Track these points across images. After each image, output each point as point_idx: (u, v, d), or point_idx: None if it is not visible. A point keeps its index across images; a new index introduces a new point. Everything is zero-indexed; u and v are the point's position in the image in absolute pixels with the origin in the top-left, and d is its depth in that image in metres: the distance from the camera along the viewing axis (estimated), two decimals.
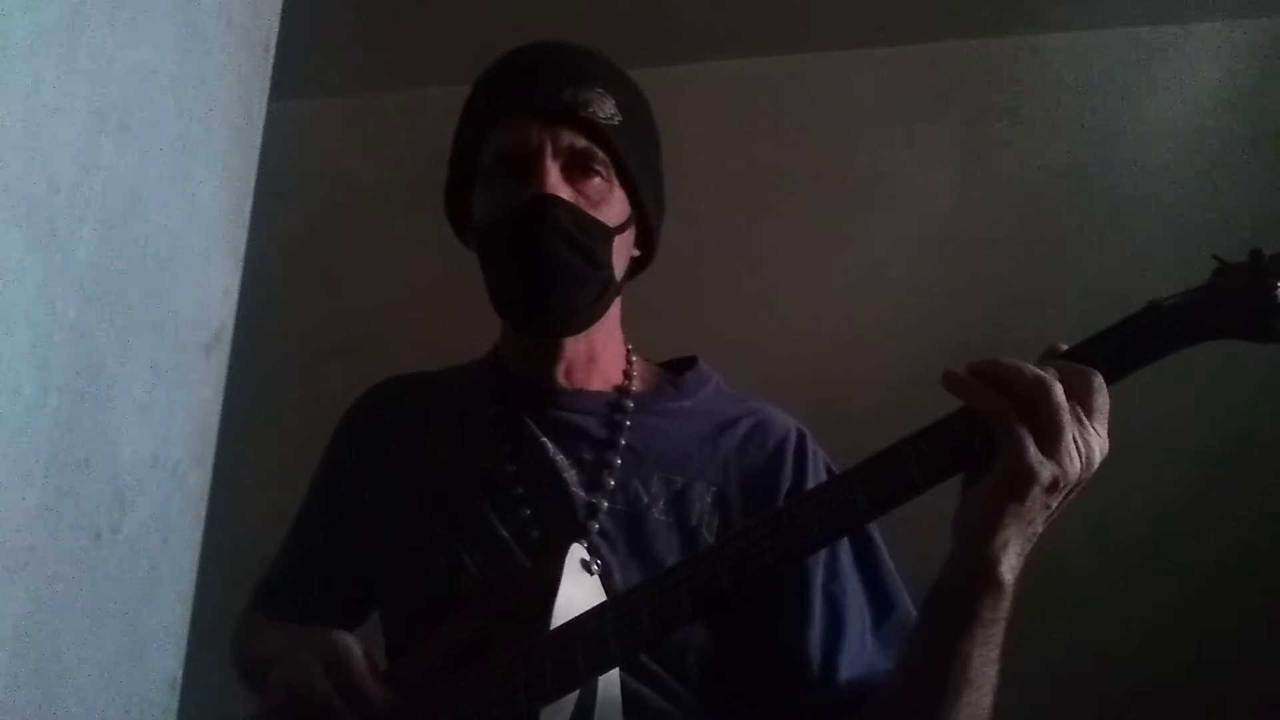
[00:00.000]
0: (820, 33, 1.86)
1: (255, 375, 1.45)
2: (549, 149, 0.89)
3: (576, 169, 0.90)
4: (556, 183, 0.88)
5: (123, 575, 1.01)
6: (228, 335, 1.18)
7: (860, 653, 0.86)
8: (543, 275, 0.89)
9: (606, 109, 0.91)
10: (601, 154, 0.91)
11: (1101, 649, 1.48)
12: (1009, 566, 0.68)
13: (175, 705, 1.10)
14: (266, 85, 1.25)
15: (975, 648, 0.70)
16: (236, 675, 1.01)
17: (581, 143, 0.90)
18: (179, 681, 1.11)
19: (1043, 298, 1.69)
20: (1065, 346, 0.72)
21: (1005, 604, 0.69)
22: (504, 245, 0.91)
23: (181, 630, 1.12)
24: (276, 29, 1.25)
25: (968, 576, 0.69)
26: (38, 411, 0.89)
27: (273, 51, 1.25)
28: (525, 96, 0.90)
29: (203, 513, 1.15)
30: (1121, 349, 0.71)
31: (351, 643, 0.78)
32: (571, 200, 0.89)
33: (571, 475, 0.91)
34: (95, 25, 0.93)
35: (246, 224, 1.22)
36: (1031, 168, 1.78)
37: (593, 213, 0.90)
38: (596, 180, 0.91)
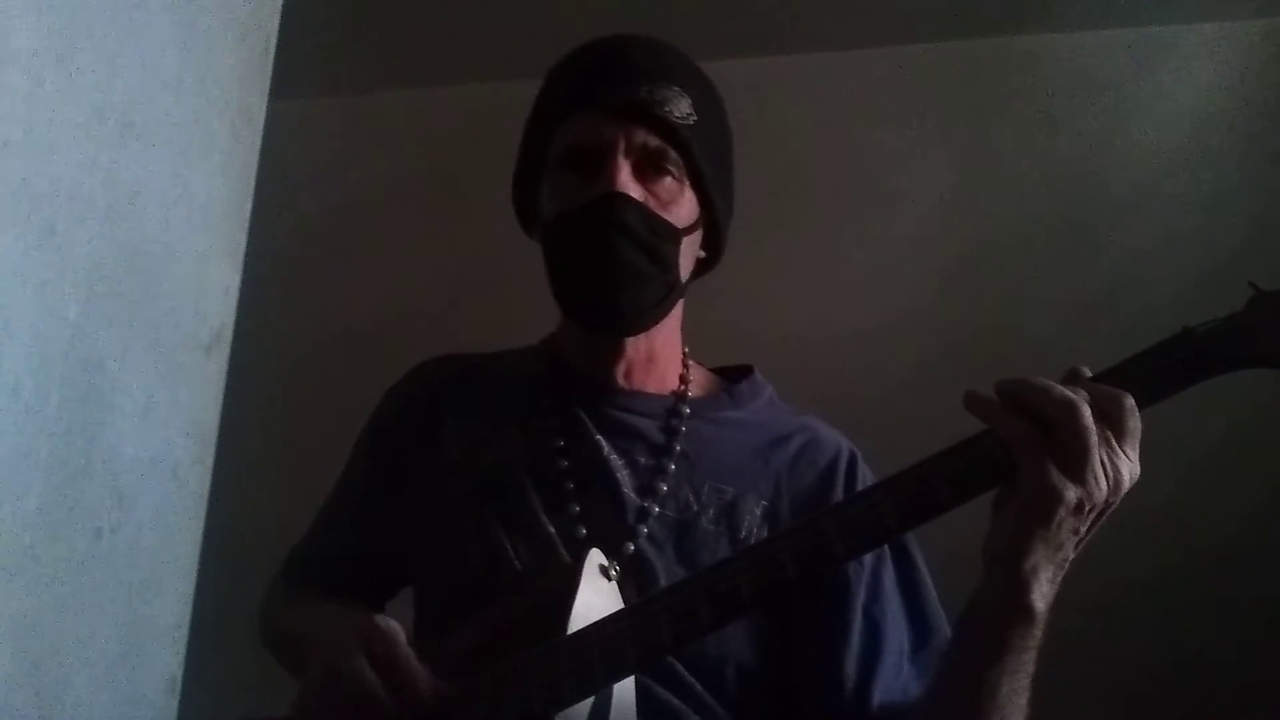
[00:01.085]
0: (820, 33, 1.86)
1: (255, 375, 1.46)
2: (621, 146, 0.87)
3: (648, 168, 0.88)
4: (627, 181, 0.86)
5: (123, 575, 1.01)
6: (228, 335, 1.19)
7: (896, 677, 0.84)
8: (609, 275, 0.87)
9: (682, 108, 0.89)
10: (674, 154, 0.88)
11: (1101, 649, 1.48)
12: (1040, 594, 0.66)
13: (175, 705, 1.10)
14: (266, 85, 1.25)
15: (1005, 676, 0.68)
16: (264, 644, 1.00)
17: (655, 141, 0.88)
18: (179, 681, 1.11)
19: (1042, 297, 1.69)
20: (1089, 370, 0.71)
21: (1037, 632, 0.68)
22: (571, 241, 0.89)
23: (181, 630, 1.12)
24: (276, 29, 1.25)
25: (998, 604, 0.68)
26: (38, 411, 0.89)
27: (273, 51, 1.25)
28: (599, 91, 0.88)
29: (203, 513, 1.15)
30: (1154, 375, 0.69)
31: (396, 629, 0.76)
32: (641, 199, 0.87)
33: (624, 476, 0.89)
34: (95, 25, 0.93)
35: (246, 224, 1.22)
36: (1031, 168, 1.78)
37: (662, 213, 0.88)
38: (668, 180, 0.89)
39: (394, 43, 1.95)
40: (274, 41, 1.25)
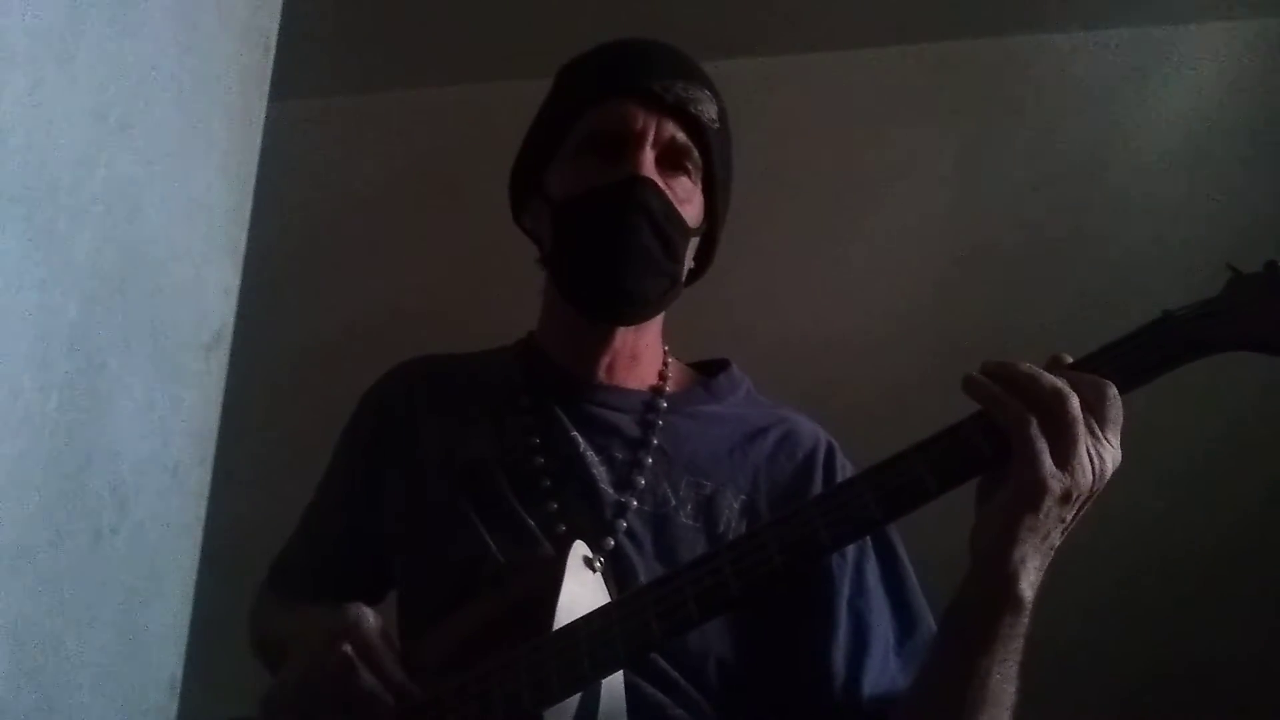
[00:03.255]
0: (820, 33, 1.86)
1: (255, 375, 1.45)
2: (651, 135, 0.88)
3: (668, 163, 0.90)
4: (651, 168, 0.88)
5: (123, 575, 1.01)
6: (228, 335, 1.18)
7: (883, 670, 0.84)
8: (625, 257, 0.88)
9: (711, 111, 0.91)
10: (697, 154, 0.91)
11: (1101, 649, 1.48)
12: (1028, 583, 0.66)
13: (175, 705, 1.10)
14: (266, 85, 1.25)
15: (995, 665, 0.69)
16: (254, 655, 1.00)
17: (682, 137, 0.90)
18: (179, 681, 1.11)
19: (1041, 297, 1.69)
20: (1070, 358, 0.71)
21: (1024, 620, 0.68)
22: (589, 221, 0.89)
23: (181, 630, 1.12)
24: (276, 29, 1.25)
25: (986, 593, 0.68)
26: (38, 411, 0.89)
27: (273, 51, 1.25)
28: (637, 81, 0.90)
29: (203, 513, 1.15)
30: (1134, 360, 0.69)
31: (367, 614, 0.76)
32: (663, 189, 0.89)
33: (601, 472, 0.90)
34: (95, 25, 0.93)
35: (246, 224, 1.22)
36: (1031, 168, 1.78)
37: (678, 207, 0.90)
38: (684, 178, 0.91)
39: (394, 43, 1.95)
40: (274, 41, 1.25)
